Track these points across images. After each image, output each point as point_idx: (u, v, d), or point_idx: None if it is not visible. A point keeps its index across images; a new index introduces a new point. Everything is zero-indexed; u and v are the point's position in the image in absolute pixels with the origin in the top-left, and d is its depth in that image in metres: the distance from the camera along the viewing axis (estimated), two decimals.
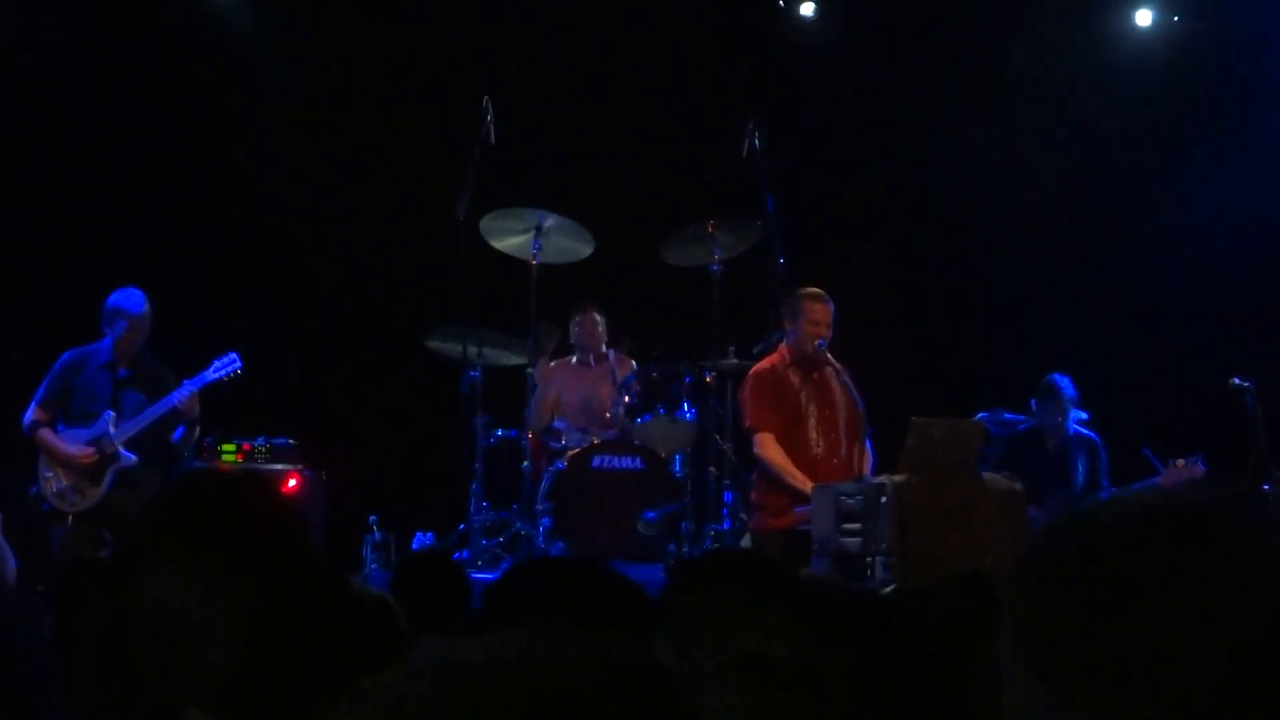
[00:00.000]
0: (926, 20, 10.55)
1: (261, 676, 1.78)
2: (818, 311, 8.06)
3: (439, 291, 9.17)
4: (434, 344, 8.86)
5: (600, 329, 9.20)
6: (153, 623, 1.76)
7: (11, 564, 5.90)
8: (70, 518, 7.94)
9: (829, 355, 8.08)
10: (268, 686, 1.78)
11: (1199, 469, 8.40)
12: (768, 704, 1.63)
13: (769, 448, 8.01)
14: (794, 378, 8.12)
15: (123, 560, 1.88)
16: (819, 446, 8.07)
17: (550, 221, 8.76)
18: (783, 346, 8.22)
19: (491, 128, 8.74)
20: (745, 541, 8.26)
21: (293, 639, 1.79)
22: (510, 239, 8.87)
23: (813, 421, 8.09)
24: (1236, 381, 8.48)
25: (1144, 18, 10.56)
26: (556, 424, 8.96)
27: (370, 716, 0.98)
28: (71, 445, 8.04)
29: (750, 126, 8.83)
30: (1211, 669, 1.08)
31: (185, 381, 8.12)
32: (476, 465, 8.56)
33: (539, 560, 2.74)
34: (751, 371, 8.21)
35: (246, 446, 8.92)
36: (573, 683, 0.97)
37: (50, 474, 8.05)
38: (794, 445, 8.03)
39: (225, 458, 8.83)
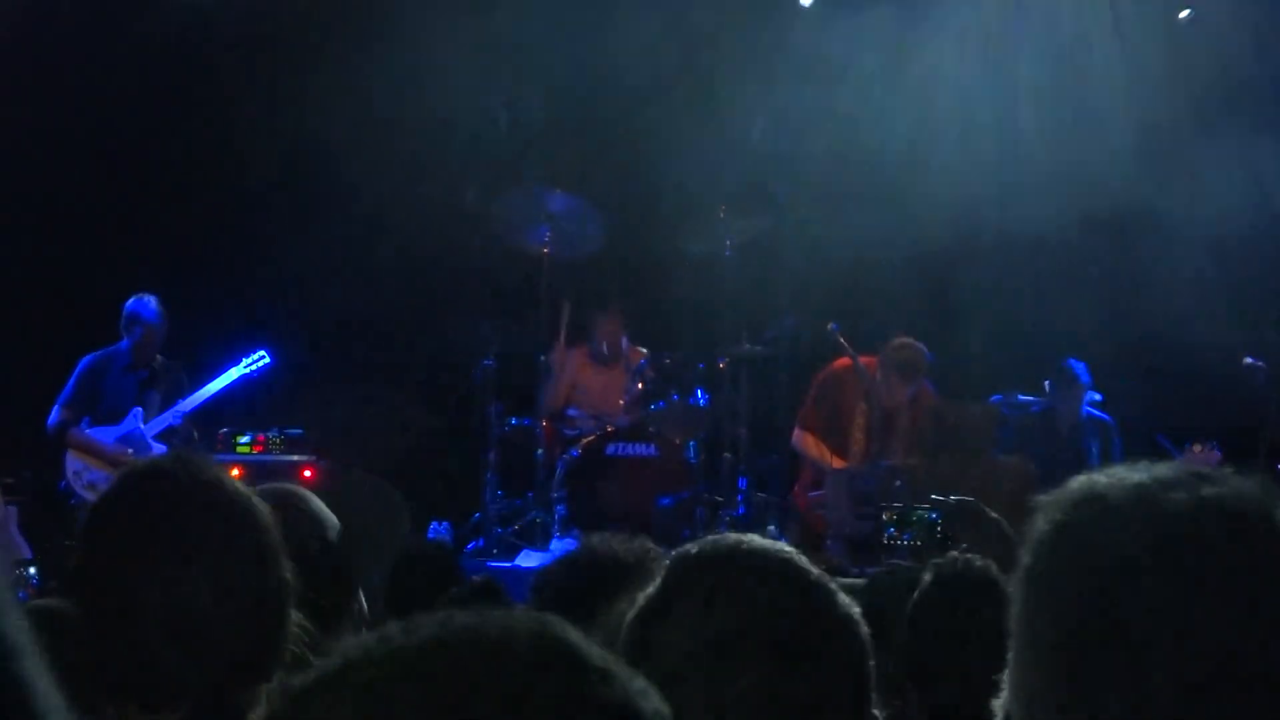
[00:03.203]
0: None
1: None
2: (899, 390, 8.02)
3: (452, 279, 9.16)
4: (448, 332, 8.83)
5: (621, 329, 9.13)
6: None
7: (25, 554, 5.93)
8: None
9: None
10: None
11: (1215, 455, 8.37)
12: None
13: (806, 443, 8.06)
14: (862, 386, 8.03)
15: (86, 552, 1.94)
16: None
17: (561, 204, 8.74)
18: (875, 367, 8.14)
19: (504, 120, 8.74)
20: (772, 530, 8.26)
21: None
22: (521, 225, 8.85)
23: (860, 422, 8.00)
24: (1250, 361, 8.45)
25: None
26: (571, 411, 8.95)
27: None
28: (107, 444, 8.22)
29: (761, 112, 8.82)
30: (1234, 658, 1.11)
31: (218, 377, 8.44)
32: (491, 454, 8.57)
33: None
34: (834, 367, 8.14)
35: (261, 438, 8.93)
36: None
37: (80, 466, 8.16)
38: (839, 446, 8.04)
39: (239, 449, 8.85)
